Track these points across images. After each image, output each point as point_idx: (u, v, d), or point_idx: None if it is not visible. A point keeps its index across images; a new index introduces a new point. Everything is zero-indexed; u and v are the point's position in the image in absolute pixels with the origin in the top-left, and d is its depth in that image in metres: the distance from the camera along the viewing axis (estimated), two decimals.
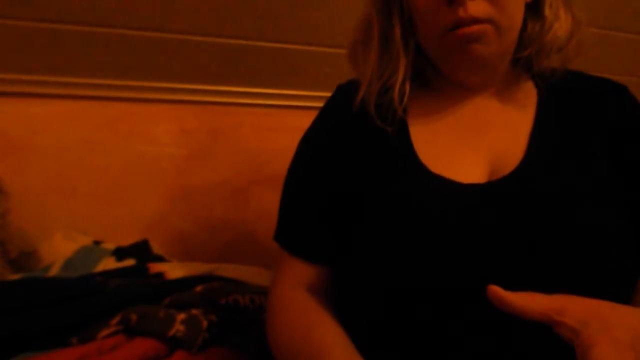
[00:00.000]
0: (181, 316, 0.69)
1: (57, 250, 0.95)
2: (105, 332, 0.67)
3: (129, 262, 0.93)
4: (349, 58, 0.69)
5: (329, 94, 0.73)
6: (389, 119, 0.63)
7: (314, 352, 0.54)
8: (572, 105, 0.63)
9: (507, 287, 0.50)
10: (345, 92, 0.68)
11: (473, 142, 0.62)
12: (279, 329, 0.61)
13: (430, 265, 0.53)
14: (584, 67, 0.66)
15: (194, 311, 0.72)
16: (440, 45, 0.61)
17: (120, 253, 0.96)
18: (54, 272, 0.87)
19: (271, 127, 1.11)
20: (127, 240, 1.01)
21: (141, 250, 0.99)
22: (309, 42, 1.17)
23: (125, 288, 0.76)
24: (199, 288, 0.79)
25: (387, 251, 0.55)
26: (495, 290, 0.44)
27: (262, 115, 1.20)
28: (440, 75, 0.66)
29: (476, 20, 0.57)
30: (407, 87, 0.64)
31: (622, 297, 0.53)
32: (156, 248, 1.03)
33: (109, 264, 0.92)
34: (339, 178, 0.63)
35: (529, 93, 0.65)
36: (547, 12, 0.62)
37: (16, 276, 0.85)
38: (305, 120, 0.72)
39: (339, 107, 0.68)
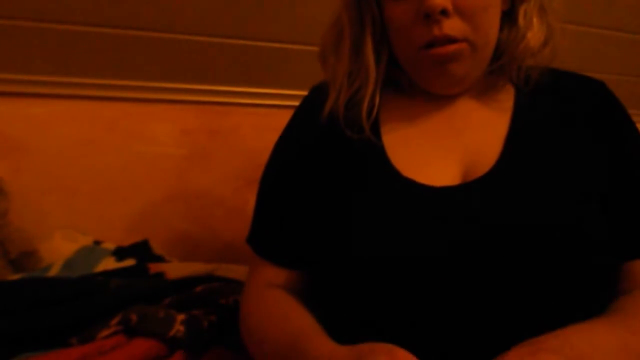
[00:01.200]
0: (181, 317, 0.69)
1: (57, 250, 0.95)
2: (105, 332, 0.67)
3: (129, 262, 0.93)
4: (319, 63, 0.69)
5: None
6: (358, 128, 0.62)
7: (290, 339, 0.54)
8: (550, 104, 0.63)
9: (478, 287, 0.51)
10: (318, 95, 0.67)
11: (447, 145, 0.61)
12: (253, 323, 0.62)
13: (400, 270, 0.52)
14: (579, 66, 0.66)
15: (194, 311, 0.72)
16: (415, 61, 0.61)
17: (120, 253, 0.96)
18: (54, 272, 0.87)
19: (271, 127, 1.10)
20: (127, 240, 1.02)
21: (141, 250, 0.99)
22: (309, 42, 1.17)
23: (125, 288, 0.76)
24: (199, 288, 0.79)
25: (356, 258, 0.55)
26: None
27: (262, 115, 1.20)
28: (414, 84, 0.65)
29: (451, 40, 0.57)
30: (377, 99, 0.63)
31: (599, 297, 0.53)
32: (156, 248, 1.03)
33: (109, 264, 0.92)
34: (311, 184, 0.63)
35: (506, 95, 0.65)
36: (521, 20, 0.61)
37: (16, 276, 0.85)
38: None
39: (311, 111, 0.67)
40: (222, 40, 1.14)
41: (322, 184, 0.62)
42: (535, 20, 0.61)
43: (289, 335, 0.55)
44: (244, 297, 0.67)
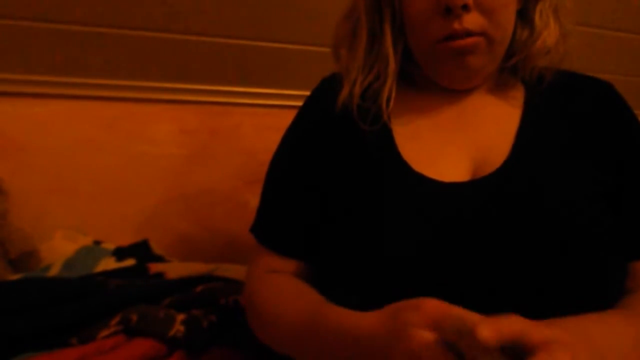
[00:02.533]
0: (181, 316, 0.69)
1: (57, 250, 0.95)
2: (105, 332, 0.67)
3: (129, 262, 0.93)
4: (332, 54, 0.69)
5: None
6: (371, 120, 0.62)
7: (306, 315, 0.54)
8: (559, 104, 0.63)
9: (487, 286, 0.51)
10: (328, 87, 0.68)
11: (457, 140, 0.61)
12: (263, 306, 0.61)
13: (408, 265, 0.53)
14: (579, 66, 0.66)
15: (194, 311, 0.72)
16: (432, 53, 0.61)
17: (120, 253, 0.96)
18: (54, 272, 0.87)
19: (271, 127, 1.10)
20: (127, 240, 1.02)
21: (141, 250, 0.99)
22: (308, 42, 1.17)
23: (125, 288, 0.76)
24: (199, 288, 0.79)
25: (365, 250, 0.55)
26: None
27: (262, 115, 1.20)
28: (426, 77, 0.65)
29: (470, 33, 0.57)
30: (394, 90, 0.63)
31: (606, 296, 0.53)
32: (156, 248, 1.03)
33: (109, 264, 0.92)
34: (319, 177, 0.63)
35: (516, 92, 0.65)
36: (537, 20, 0.62)
37: (16, 276, 0.85)
38: None
39: (321, 103, 0.68)
40: (222, 40, 1.14)
41: (331, 176, 0.62)
42: (550, 19, 0.62)
43: (304, 312, 0.54)
44: (248, 285, 0.66)
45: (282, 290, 0.60)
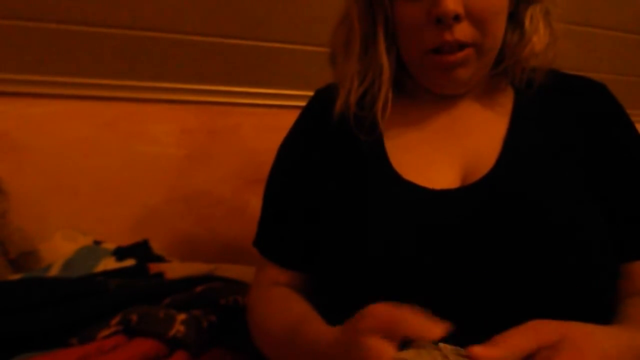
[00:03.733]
0: (181, 316, 0.69)
1: (57, 250, 0.95)
2: (105, 332, 0.67)
3: (129, 262, 0.93)
4: (329, 61, 0.69)
5: None
6: (366, 129, 0.62)
7: (290, 328, 0.56)
8: (550, 106, 0.63)
9: (477, 291, 0.51)
10: (322, 99, 0.68)
11: (447, 147, 0.61)
12: (258, 318, 0.63)
13: (398, 273, 0.53)
14: (576, 66, 0.66)
15: (194, 311, 0.72)
16: (422, 63, 0.61)
17: (120, 253, 0.96)
18: (54, 272, 0.87)
19: (271, 127, 1.10)
20: (127, 240, 1.02)
21: (141, 250, 0.99)
22: (309, 42, 1.17)
23: (125, 288, 0.76)
24: (199, 288, 0.79)
25: (353, 259, 0.55)
26: (475, 353, 0.43)
27: (262, 115, 1.20)
28: (418, 84, 0.65)
29: (460, 45, 0.57)
30: (390, 97, 0.63)
31: (600, 303, 0.53)
32: (156, 248, 1.03)
33: (109, 264, 0.92)
34: (315, 188, 0.64)
35: (506, 97, 0.65)
36: (527, 25, 0.61)
37: (16, 276, 0.85)
38: None
39: (316, 114, 0.68)
40: (222, 40, 1.14)
41: (326, 187, 0.63)
42: (541, 24, 0.62)
43: (289, 325, 0.57)
44: (249, 295, 0.68)
45: (274, 305, 0.62)
